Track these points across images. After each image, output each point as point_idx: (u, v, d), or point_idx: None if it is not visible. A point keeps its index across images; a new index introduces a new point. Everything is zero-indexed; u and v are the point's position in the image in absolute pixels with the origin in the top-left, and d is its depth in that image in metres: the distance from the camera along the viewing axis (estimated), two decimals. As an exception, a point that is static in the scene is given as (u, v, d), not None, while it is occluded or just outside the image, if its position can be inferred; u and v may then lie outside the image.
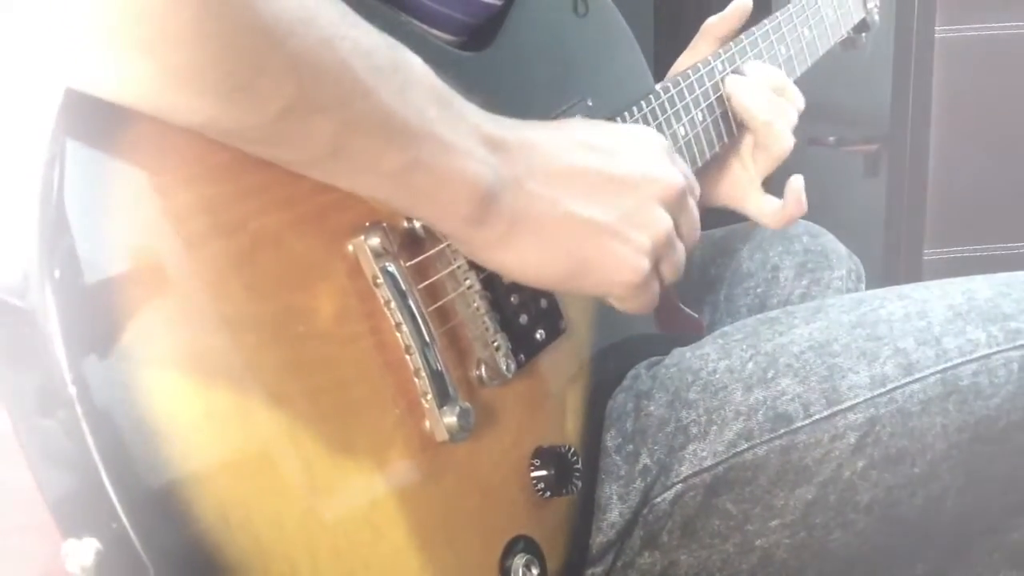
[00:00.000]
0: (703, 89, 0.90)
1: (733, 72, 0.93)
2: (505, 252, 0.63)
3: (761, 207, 0.95)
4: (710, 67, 0.92)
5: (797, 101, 0.95)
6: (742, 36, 0.96)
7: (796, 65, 1.02)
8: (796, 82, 0.99)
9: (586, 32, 0.84)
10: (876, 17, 1.17)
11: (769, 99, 0.92)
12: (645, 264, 0.66)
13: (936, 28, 1.48)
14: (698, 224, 0.73)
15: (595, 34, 0.85)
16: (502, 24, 0.77)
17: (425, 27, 0.73)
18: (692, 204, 0.72)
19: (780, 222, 0.95)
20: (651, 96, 0.85)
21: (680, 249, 0.70)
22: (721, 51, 0.94)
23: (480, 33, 0.77)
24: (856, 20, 1.14)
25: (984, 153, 1.50)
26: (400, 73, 0.57)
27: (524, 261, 0.64)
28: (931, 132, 1.49)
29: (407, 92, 0.57)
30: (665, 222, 0.67)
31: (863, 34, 1.17)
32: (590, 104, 0.81)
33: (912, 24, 1.49)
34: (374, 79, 0.56)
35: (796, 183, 0.91)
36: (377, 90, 0.56)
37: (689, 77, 0.89)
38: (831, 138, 1.60)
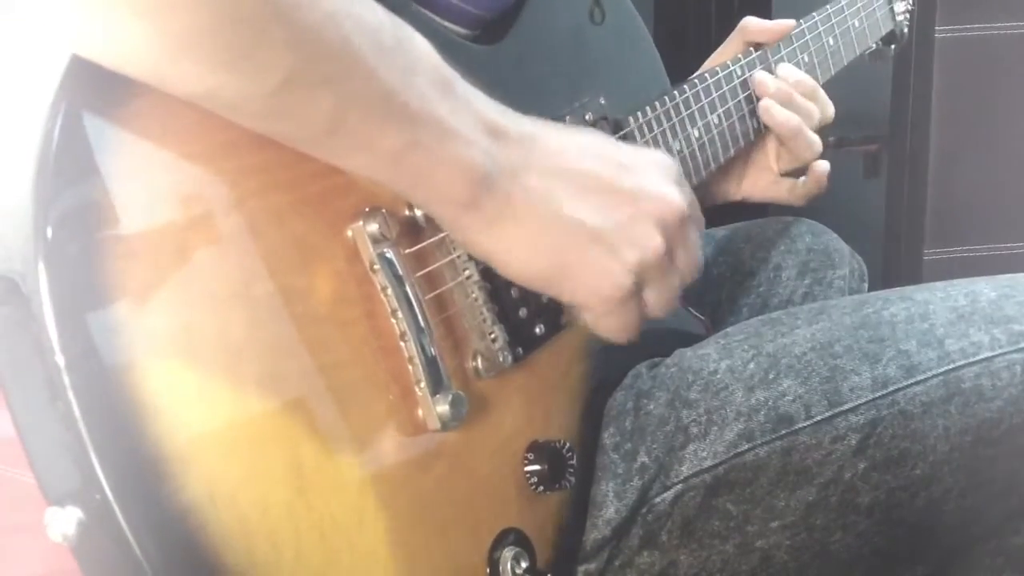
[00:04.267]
0: (720, 93, 0.90)
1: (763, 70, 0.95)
2: (492, 241, 0.63)
3: (780, 193, 1.00)
4: (728, 71, 0.91)
5: (827, 108, 0.97)
6: None
7: (819, 74, 1.02)
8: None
9: (602, 33, 0.84)
10: (905, 29, 1.16)
11: (796, 104, 0.95)
12: (627, 281, 0.65)
13: (936, 28, 1.48)
14: (699, 258, 0.70)
15: (612, 35, 0.85)
16: (516, 19, 0.77)
17: (438, 19, 0.73)
18: (694, 236, 0.69)
19: (801, 199, 1.00)
20: (666, 97, 0.84)
21: (672, 279, 0.68)
22: (741, 56, 0.94)
23: (493, 27, 0.77)
24: (884, 31, 1.13)
25: (984, 153, 1.50)
26: (404, 53, 0.57)
27: (509, 253, 0.63)
28: (931, 132, 1.49)
29: (409, 73, 0.57)
30: (656, 242, 0.65)
31: (892, 46, 1.17)
32: (603, 102, 0.81)
33: (912, 24, 1.48)
34: (376, 57, 0.55)
35: (821, 168, 0.98)
36: (379, 68, 0.56)
37: (707, 80, 0.88)
38: (831, 138, 1.60)
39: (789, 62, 0.98)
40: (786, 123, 0.94)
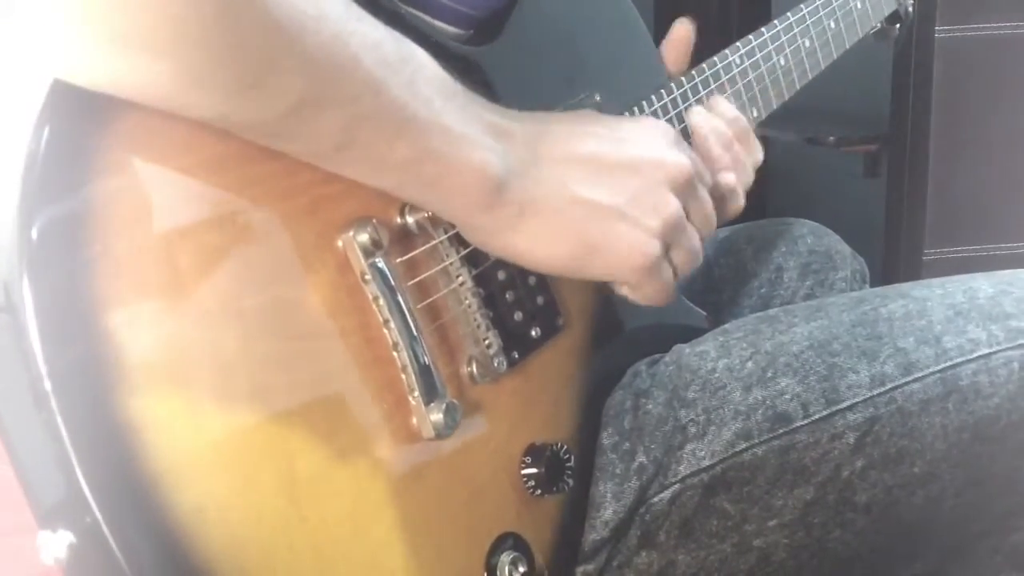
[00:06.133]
0: (719, 83, 0.88)
1: (698, 103, 0.85)
2: (514, 237, 0.64)
3: None
4: (727, 61, 0.88)
5: (756, 153, 0.85)
6: (763, 29, 0.93)
7: (821, 58, 0.99)
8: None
9: (595, 23, 0.83)
10: (910, 8, 1.15)
11: (731, 149, 0.82)
12: (655, 247, 0.67)
13: (936, 28, 1.48)
14: (711, 211, 0.73)
15: (605, 25, 0.84)
16: (508, 17, 0.77)
17: (431, 20, 0.73)
18: (703, 191, 0.72)
19: None
20: (663, 91, 0.84)
21: (693, 235, 0.71)
22: (740, 44, 0.90)
23: (486, 26, 0.76)
24: (887, 12, 1.12)
25: (984, 153, 1.50)
26: (407, 65, 0.58)
27: (533, 245, 0.65)
28: (931, 132, 1.49)
29: (415, 84, 0.58)
30: (673, 205, 0.68)
31: (897, 25, 1.15)
32: (598, 99, 0.80)
33: (912, 24, 1.48)
34: (383, 72, 0.56)
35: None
36: (386, 83, 0.57)
37: (704, 72, 0.87)
38: (831, 138, 1.60)
39: (789, 48, 0.94)
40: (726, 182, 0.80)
